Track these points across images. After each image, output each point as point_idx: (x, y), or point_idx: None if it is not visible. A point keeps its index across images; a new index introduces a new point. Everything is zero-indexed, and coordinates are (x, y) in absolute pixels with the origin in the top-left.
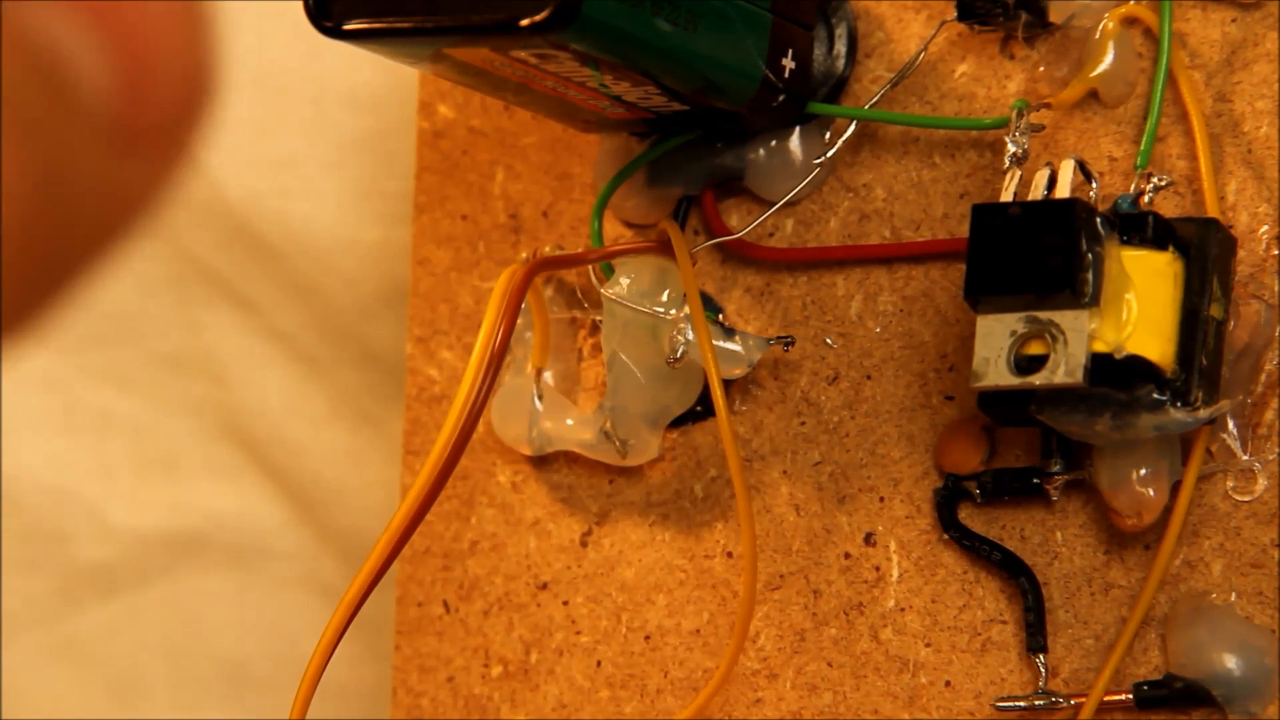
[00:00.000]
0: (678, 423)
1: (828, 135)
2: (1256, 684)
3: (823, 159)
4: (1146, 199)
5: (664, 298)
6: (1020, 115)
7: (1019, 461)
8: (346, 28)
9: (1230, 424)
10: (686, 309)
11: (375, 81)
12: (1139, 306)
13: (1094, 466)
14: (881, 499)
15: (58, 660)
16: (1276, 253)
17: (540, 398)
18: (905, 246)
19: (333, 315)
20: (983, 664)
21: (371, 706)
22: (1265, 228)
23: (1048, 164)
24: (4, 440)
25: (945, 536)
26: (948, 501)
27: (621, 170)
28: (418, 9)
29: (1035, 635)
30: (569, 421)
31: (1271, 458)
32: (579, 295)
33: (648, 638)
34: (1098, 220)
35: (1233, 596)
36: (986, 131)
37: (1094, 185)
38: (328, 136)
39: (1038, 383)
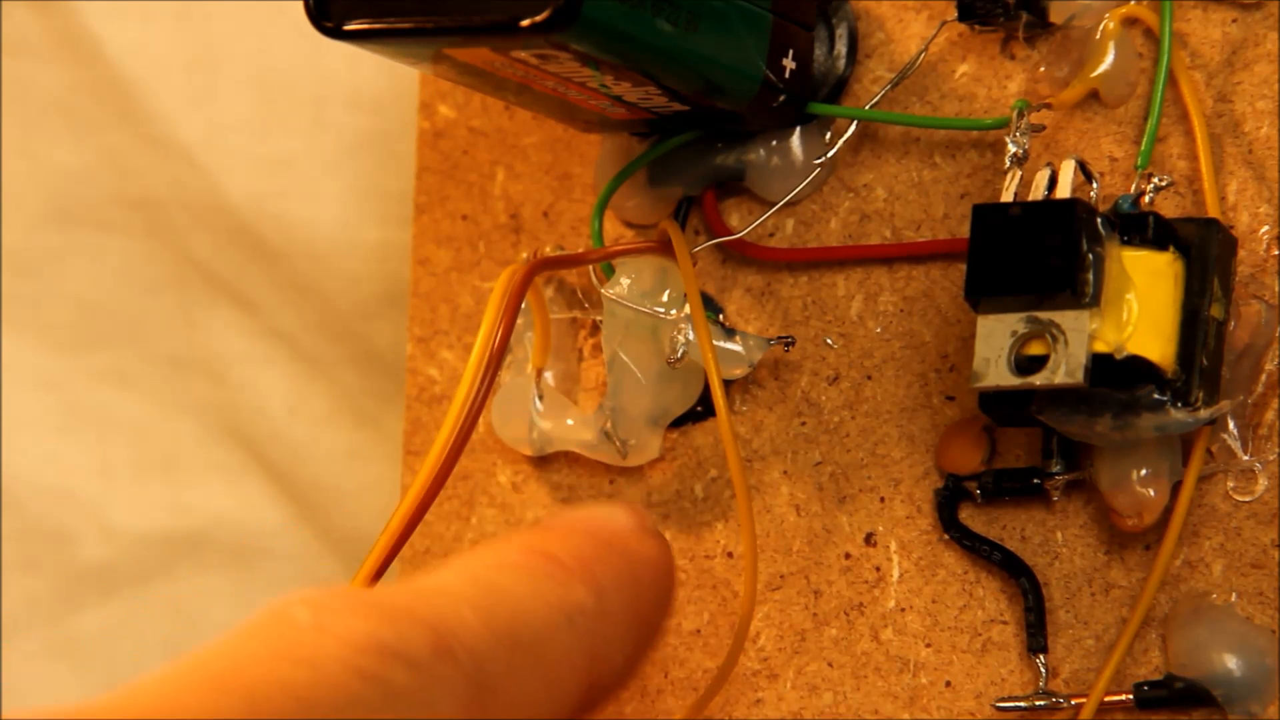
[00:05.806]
0: (678, 423)
1: (828, 135)
2: (1257, 684)
3: (823, 159)
4: (1147, 199)
5: (664, 298)
6: (1021, 115)
7: (1019, 462)
8: (346, 28)
9: (1231, 424)
10: (687, 309)
11: (376, 82)
12: (1139, 307)
13: (1094, 467)
14: (882, 499)
15: (58, 660)
16: (1277, 253)
17: (540, 398)
18: (906, 246)
19: (333, 316)
20: (983, 664)
21: None
22: (1266, 228)
23: (1048, 164)
24: (4, 440)
25: (946, 537)
26: (948, 502)
27: (622, 170)
28: (418, 9)
29: (1036, 635)
30: (569, 422)
31: (1272, 458)
32: (579, 295)
33: None
34: (1098, 220)
35: (1233, 597)
36: (987, 132)
37: (1094, 185)
38: (328, 137)
39: (1038, 383)
